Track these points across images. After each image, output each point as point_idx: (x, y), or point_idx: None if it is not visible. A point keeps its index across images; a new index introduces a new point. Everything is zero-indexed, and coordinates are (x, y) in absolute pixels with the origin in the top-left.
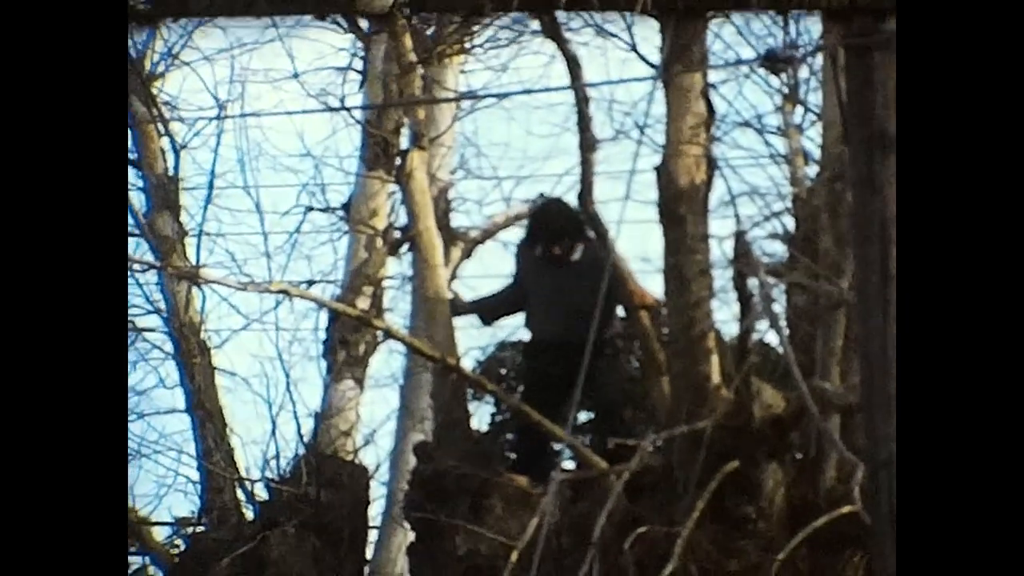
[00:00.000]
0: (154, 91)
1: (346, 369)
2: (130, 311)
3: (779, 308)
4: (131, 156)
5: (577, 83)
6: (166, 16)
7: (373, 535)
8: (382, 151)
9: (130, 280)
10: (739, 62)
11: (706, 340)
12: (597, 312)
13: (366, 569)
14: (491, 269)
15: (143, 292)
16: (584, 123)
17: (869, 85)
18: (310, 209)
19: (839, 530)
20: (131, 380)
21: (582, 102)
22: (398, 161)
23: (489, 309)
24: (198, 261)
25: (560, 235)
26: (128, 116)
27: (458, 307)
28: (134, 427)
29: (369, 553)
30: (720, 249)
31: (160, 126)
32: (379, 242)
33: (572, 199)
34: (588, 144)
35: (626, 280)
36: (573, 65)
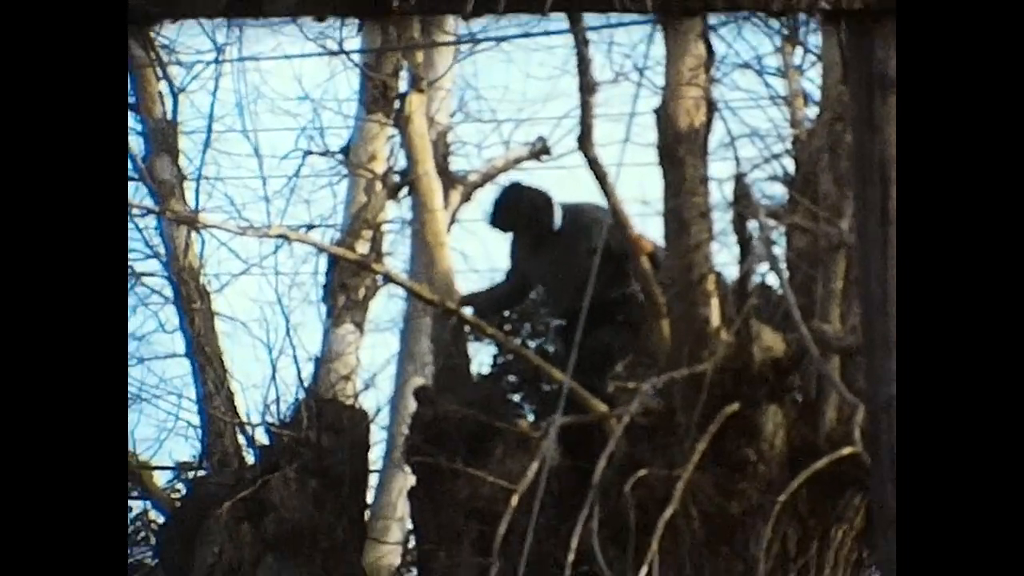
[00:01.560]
0: (152, 35)
1: (346, 313)
2: (129, 256)
3: (779, 250)
4: (129, 100)
5: (576, 26)
6: (167, 17)
7: (374, 479)
8: (381, 94)
9: (129, 224)
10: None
11: (706, 283)
12: (594, 269)
13: (367, 513)
14: None
15: (142, 236)
16: (583, 65)
17: (869, 25)
18: (309, 153)
19: (839, 471)
20: (131, 325)
21: (581, 44)
22: (397, 104)
23: (486, 304)
24: (197, 205)
25: (535, 214)
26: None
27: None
28: (134, 372)
29: (370, 497)
30: (720, 191)
31: (158, 70)
32: (378, 186)
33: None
34: (587, 86)
35: (626, 225)
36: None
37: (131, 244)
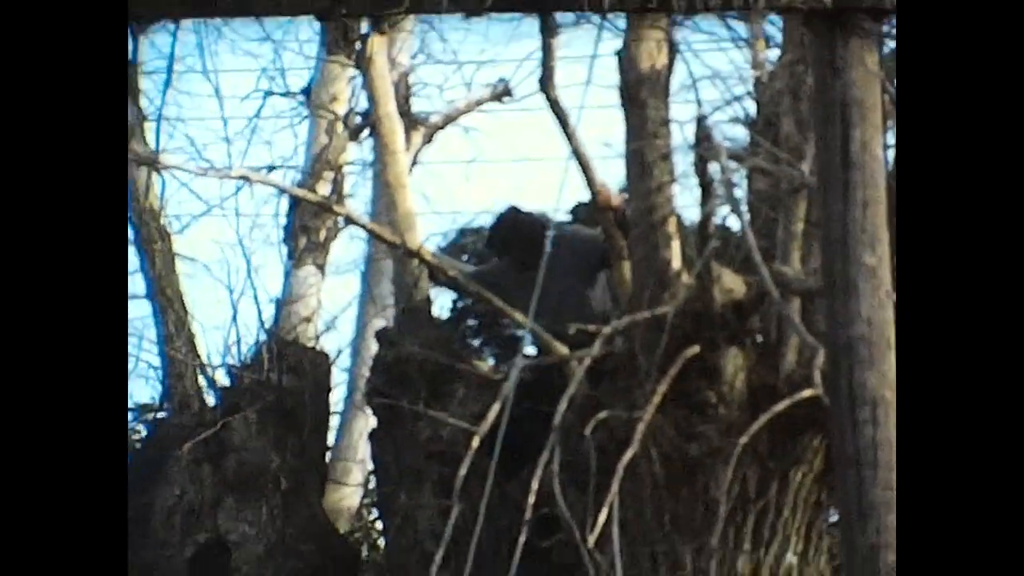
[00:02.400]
0: None
1: (307, 255)
2: None
3: (740, 192)
4: None
5: None
6: (166, 16)
7: (335, 421)
8: (342, 36)
9: None
10: None
11: (667, 225)
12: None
13: (328, 455)
14: (452, 155)
15: None
16: (545, 7)
17: None
18: (270, 94)
19: (799, 414)
20: None
21: None
22: (358, 46)
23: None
24: (158, 146)
25: (529, 240)
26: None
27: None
28: None
29: (331, 439)
30: (681, 134)
31: None
32: (340, 127)
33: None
34: (549, 28)
35: (593, 176)
36: None
37: None
